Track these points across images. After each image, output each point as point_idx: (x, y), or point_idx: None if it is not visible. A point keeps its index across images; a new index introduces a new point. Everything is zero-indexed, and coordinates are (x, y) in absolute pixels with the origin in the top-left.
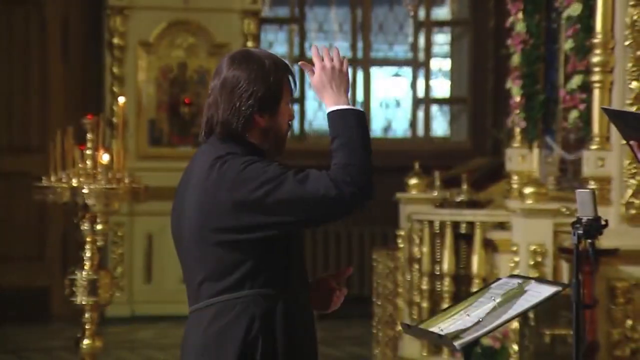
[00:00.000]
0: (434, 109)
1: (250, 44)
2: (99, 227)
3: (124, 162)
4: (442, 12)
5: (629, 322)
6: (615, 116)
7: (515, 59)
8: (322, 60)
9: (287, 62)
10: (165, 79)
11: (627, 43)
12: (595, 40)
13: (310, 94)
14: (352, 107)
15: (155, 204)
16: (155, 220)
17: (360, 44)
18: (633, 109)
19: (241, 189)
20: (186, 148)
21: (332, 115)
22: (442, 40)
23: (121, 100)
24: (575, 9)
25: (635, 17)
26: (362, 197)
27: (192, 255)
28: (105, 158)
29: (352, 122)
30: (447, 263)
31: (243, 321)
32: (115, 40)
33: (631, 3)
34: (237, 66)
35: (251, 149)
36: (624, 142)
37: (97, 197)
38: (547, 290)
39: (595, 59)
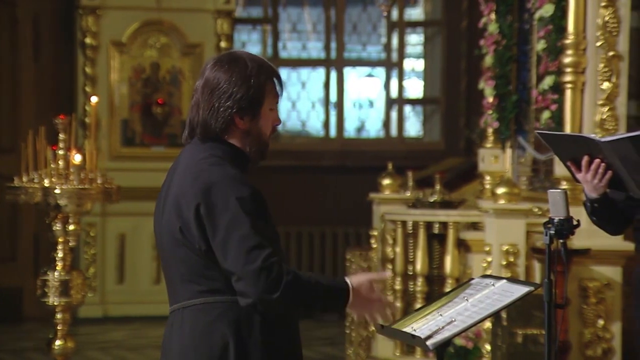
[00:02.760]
0: (407, 109)
1: (223, 44)
2: (71, 227)
3: (96, 162)
4: (415, 13)
5: (601, 322)
6: (550, 140)
7: (488, 60)
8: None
9: (274, 66)
10: (138, 79)
11: (598, 44)
12: (567, 41)
13: (283, 95)
14: (344, 307)
15: (128, 204)
16: (128, 220)
17: (333, 44)
18: (604, 109)
19: (204, 203)
20: (159, 148)
21: (344, 284)
22: (415, 40)
23: (93, 100)
24: (547, 10)
25: (606, 18)
26: (272, 303)
27: (172, 256)
28: (77, 158)
29: (334, 304)
30: (420, 263)
31: (221, 325)
32: (88, 40)
33: (602, 4)
34: (220, 67)
35: (232, 150)
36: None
37: (69, 197)
38: (519, 290)
39: (567, 60)
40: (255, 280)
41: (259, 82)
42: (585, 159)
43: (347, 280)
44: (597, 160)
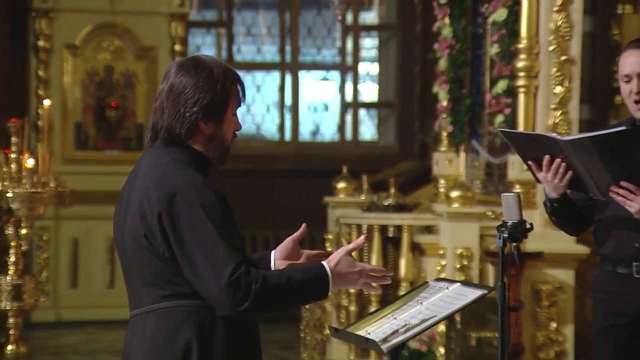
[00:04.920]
0: (362, 112)
1: (177, 47)
2: (23, 231)
3: (49, 165)
4: (369, 17)
5: (553, 325)
6: (512, 138)
7: (442, 64)
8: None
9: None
10: (91, 82)
11: (551, 48)
12: (520, 46)
13: None
14: (327, 291)
15: (81, 208)
16: (81, 224)
17: (288, 48)
18: (557, 113)
19: (168, 213)
20: (113, 152)
21: (320, 271)
22: (369, 44)
23: (46, 103)
24: (500, 15)
25: (559, 23)
26: (243, 308)
27: (135, 260)
28: (30, 162)
29: (315, 292)
30: None
31: (184, 329)
32: (41, 43)
33: (555, 9)
34: (185, 72)
35: (196, 155)
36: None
37: (22, 201)
38: (473, 293)
39: (520, 64)
40: (225, 296)
41: (224, 87)
42: (546, 158)
43: (324, 263)
44: (557, 160)
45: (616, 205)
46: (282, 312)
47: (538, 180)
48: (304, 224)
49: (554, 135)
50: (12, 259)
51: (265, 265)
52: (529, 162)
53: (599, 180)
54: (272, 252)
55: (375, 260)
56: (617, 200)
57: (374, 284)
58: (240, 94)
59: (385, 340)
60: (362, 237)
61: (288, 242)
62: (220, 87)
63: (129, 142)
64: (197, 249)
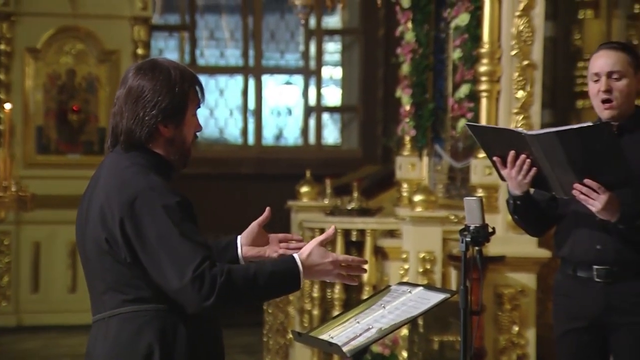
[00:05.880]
0: (325, 117)
1: (140, 51)
2: None
3: (10, 169)
4: (333, 21)
5: (515, 329)
6: (478, 132)
7: (405, 68)
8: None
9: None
10: (53, 86)
11: (513, 53)
12: (482, 50)
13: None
14: (298, 283)
15: (43, 212)
16: (43, 228)
17: (251, 52)
18: (519, 117)
19: (129, 217)
20: (75, 156)
21: (290, 263)
22: (332, 48)
23: (7, 107)
24: (462, 19)
25: (521, 28)
26: (209, 304)
27: (94, 265)
28: None
29: (286, 284)
30: None
31: (146, 334)
32: (2, 47)
33: (517, 14)
34: (143, 75)
35: (156, 159)
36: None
37: None
38: (435, 297)
39: (483, 69)
40: (190, 291)
41: (182, 89)
42: (512, 154)
43: (295, 255)
44: (522, 156)
45: (578, 206)
46: (246, 314)
47: (502, 178)
48: (267, 208)
49: (520, 129)
50: None
51: (233, 253)
52: (494, 158)
53: (563, 178)
54: (238, 238)
55: None
56: (579, 199)
57: (349, 275)
58: (199, 95)
59: (348, 344)
60: (333, 227)
61: (253, 226)
62: (179, 89)
63: (91, 146)
64: (160, 249)
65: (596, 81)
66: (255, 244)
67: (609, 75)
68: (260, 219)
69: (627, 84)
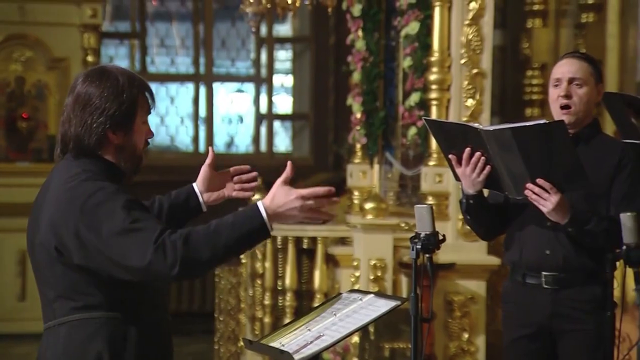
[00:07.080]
0: (277, 124)
1: (90, 58)
2: None
3: None
4: (283, 29)
5: (465, 336)
6: (434, 128)
7: (356, 76)
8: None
9: (144, 79)
10: (2, 93)
11: (462, 61)
12: (432, 59)
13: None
14: (265, 227)
15: None
16: None
17: (202, 60)
18: None
19: (84, 222)
20: (24, 163)
21: (252, 210)
22: (284, 56)
23: None
24: (413, 28)
25: (470, 36)
26: (177, 272)
27: (45, 272)
28: None
29: (251, 231)
30: (289, 278)
31: (96, 342)
32: None
33: (466, 22)
34: (91, 82)
35: (106, 166)
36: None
37: None
38: (386, 305)
39: (432, 77)
40: (156, 264)
41: (131, 96)
42: (467, 151)
43: (259, 202)
44: (477, 154)
45: (529, 211)
46: (197, 323)
47: (456, 178)
48: (210, 147)
49: (477, 125)
50: None
51: (195, 202)
52: (450, 156)
53: (517, 176)
54: (194, 186)
55: (289, 272)
56: (531, 199)
57: (321, 211)
58: (150, 101)
59: (299, 351)
60: (289, 163)
61: (205, 171)
62: (127, 95)
63: (41, 153)
64: (120, 237)
65: (557, 86)
66: (212, 188)
67: (570, 81)
68: (208, 160)
69: (587, 92)
